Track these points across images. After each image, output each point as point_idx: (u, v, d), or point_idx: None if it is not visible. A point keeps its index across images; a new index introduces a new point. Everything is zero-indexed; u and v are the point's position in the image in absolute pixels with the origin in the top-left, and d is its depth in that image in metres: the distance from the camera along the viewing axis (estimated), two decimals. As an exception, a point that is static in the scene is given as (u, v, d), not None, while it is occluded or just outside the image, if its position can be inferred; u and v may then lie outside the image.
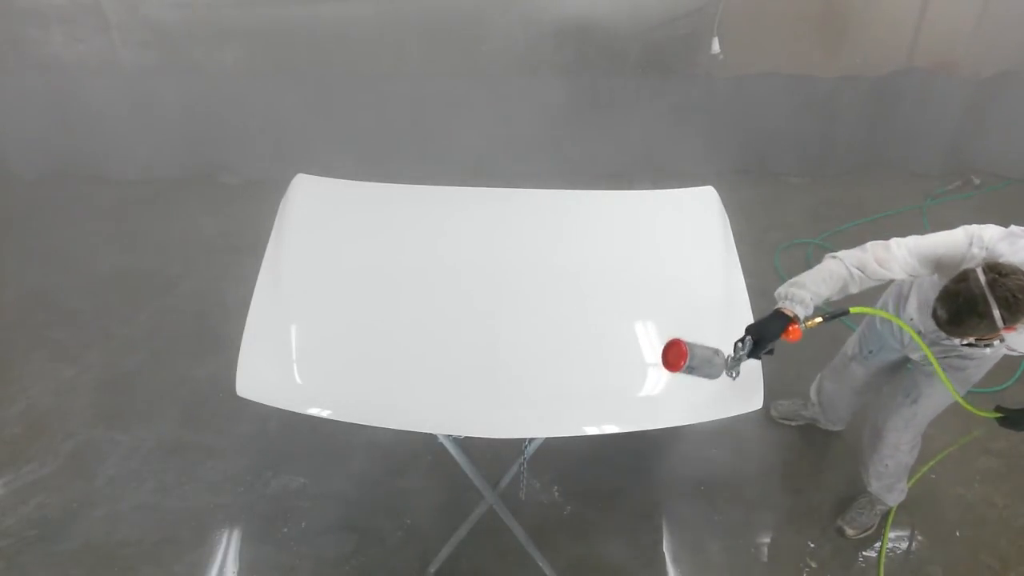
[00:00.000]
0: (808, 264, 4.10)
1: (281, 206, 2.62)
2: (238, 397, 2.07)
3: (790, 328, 1.96)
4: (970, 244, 2.00)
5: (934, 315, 1.91)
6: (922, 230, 2.16)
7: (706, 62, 4.31)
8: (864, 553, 2.81)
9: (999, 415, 2.28)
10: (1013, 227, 2.01)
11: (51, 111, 4.38)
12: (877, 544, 2.84)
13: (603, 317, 2.31)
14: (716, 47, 4.21)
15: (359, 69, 4.31)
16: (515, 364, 2.15)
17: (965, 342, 1.98)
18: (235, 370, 2.09)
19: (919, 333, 2.25)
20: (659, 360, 1.92)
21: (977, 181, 4.64)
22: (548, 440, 2.55)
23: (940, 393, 2.43)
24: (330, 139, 4.46)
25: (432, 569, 2.67)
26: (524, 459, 2.57)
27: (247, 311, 2.23)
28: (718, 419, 2.12)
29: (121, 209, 4.41)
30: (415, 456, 3.03)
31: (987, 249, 1.98)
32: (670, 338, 1.90)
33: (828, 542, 2.84)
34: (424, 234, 2.57)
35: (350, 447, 3.06)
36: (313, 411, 2.10)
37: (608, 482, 2.99)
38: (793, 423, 3.23)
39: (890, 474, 2.73)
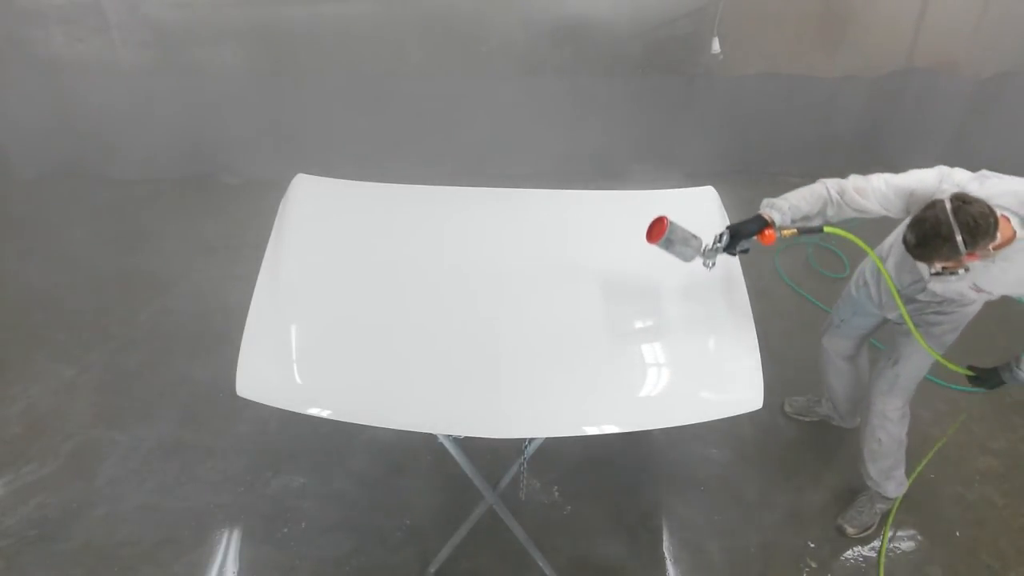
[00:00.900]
0: (808, 264, 4.13)
1: (281, 206, 2.62)
2: (238, 397, 2.07)
3: (765, 231, 2.18)
4: (941, 181, 2.12)
5: (904, 240, 2.02)
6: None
7: (706, 62, 4.31)
8: (864, 553, 2.82)
9: (971, 373, 2.42)
10: (983, 170, 2.13)
11: (51, 111, 4.38)
12: (877, 544, 2.84)
13: (603, 317, 2.31)
14: (716, 47, 4.21)
15: (359, 69, 4.31)
16: (515, 364, 2.15)
17: (934, 271, 2.09)
18: (235, 370, 2.09)
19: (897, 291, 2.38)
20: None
21: (977, 181, 4.64)
22: (548, 440, 2.55)
23: (920, 353, 2.51)
24: (330, 139, 4.47)
25: (432, 569, 2.67)
26: (524, 459, 2.57)
27: (247, 311, 2.22)
28: (718, 419, 2.12)
29: (121, 209, 4.41)
30: (415, 456, 3.03)
31: (957, 186, 2.08)
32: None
33: (828, 542, 2.84)
34: (424, 234, 2.57)
35: (350, 447, 3.06)
36: (313, 411, 2.09)
37: (608, 482, 2.99)
38: (807, 419, 3.25)
39: (885, 452, 2.73)
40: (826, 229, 2.18)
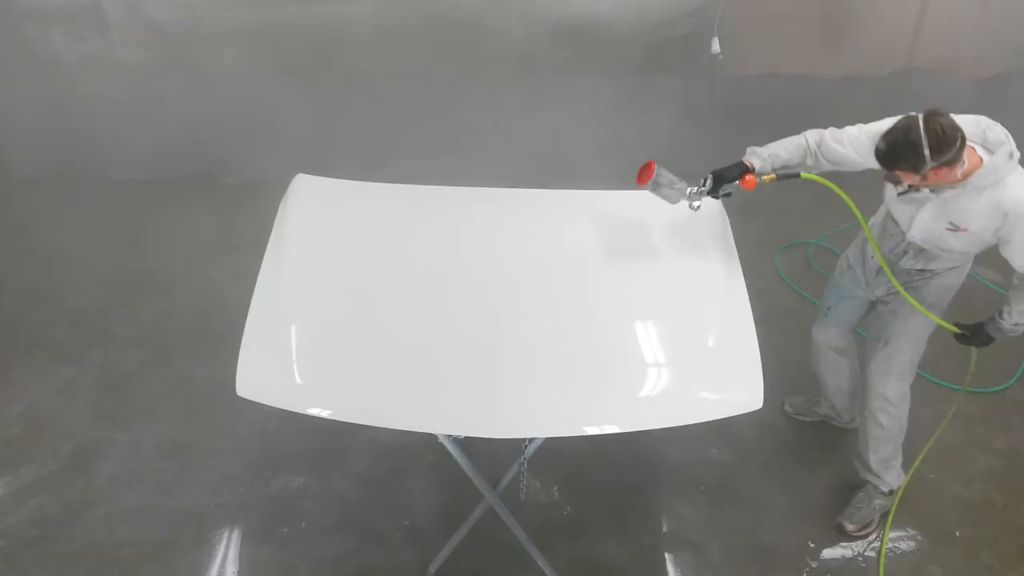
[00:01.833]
0: (808, 264, 4.13)
1: (281, 206, 2.61)
2: (238, 397, 2.07)
3: (746, 176, 2.37)
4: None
5: (876, 151, 2.12)
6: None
7: (706, 62, 4.31)
8: (864, 553, 2.81)
9: (958, 330, 2.48)
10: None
11: (51, 111, 4.38)
12: (877, 544, 2.84)
13: (603, 317, 2.31)
14: (716, 47, 4.21)
15: (359, 69, 4.31)
16: (515, 364, 2.15)
17: (900, 190, 2.24)
18: (235, 370, 2.09)
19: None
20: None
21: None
22: (548, 440, 2.55)
23: (909, 330, 2.57)
24: (330, 139, 4.47)
25: (432, 569, 2.67)
26: (524, 459, 2.57)
27: (247, 311, 2.22)
28: (718, 419, 2.12)
29: (121, 209, 4.41)
30: (415, 456, 3.03)
31: None
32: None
33: (828, 542, 2.84)
34: (424, 234, 2.57)
35: (350, 447, 3.06)
36: (313, 411, 2.09)
37: (608, 482, 2.99)
38: (806, 419, 3.25)
39: (888, 438, 2.73)
40: (803, 175, 2.39)
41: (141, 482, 2.96)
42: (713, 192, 2.38)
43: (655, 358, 2.24)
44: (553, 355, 2.19)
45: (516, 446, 2.55)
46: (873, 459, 2.78)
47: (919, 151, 2.01)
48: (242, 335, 2.16)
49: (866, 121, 2.35)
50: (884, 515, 2.89)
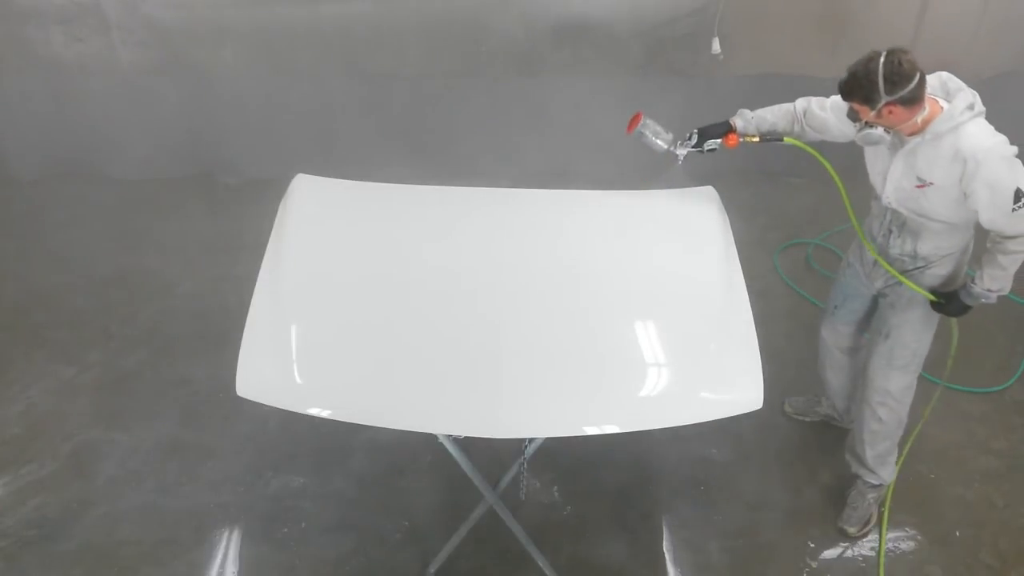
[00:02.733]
0: (808, 264, 4.13)
1: (281, 206, 2.62)
2: (238, 397, 2.07)
3: (730, 135, 2.53)
4: None
5: (839, 83, 2.17)
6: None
7: (706, 62, 4.31)
8: (864, 553, 2.82)
9: (934, 298, 2.47)
10: None
11: (51, 111, 4.38)
12: (877, 544, 2.84)
13: (603, 317, 2.31)
14: (716, 47, 4.21)
15: (359, 69, 4.31)
16: (515, 364, 2.15)
17: (859, 129, 2.24)
18: (235, 370, 2.09)
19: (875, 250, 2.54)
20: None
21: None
22: (548, 440, 2.55)
23: (909, 322, 2.56)
24: (330, 139, 4.46)
25: (432, 569, 2.67)
26: (524, 459, 2.57)
27: (247, 311, 2.22)
28: (718, 419, 2.12)
29: (121, 209, 4.41)
30: (415, 456, 3.03)
31: None
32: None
33: (828, 542, 2.84)
34: (424, 234, 2.57)
35: (350, 447, 3.06)
36: (313, 411, 2.10)
37: (608, 482, 2.99)
38: (807, 419, 3.25)
39: (886, 433, 2.73)
40: (786, 140, 2.49)
41: (141, 482, 2.96)
42: (698, 146, 2.55)
43: (655, 358, 2.24)
44: (553, 355, 2.19)
45: (516, 446, 2.56)
46: (869, 454, 2.77)
47: (874, 81, 2.06)
48: (242, 335, 2.16)
49: None
50: (881, 511, 2.89)
